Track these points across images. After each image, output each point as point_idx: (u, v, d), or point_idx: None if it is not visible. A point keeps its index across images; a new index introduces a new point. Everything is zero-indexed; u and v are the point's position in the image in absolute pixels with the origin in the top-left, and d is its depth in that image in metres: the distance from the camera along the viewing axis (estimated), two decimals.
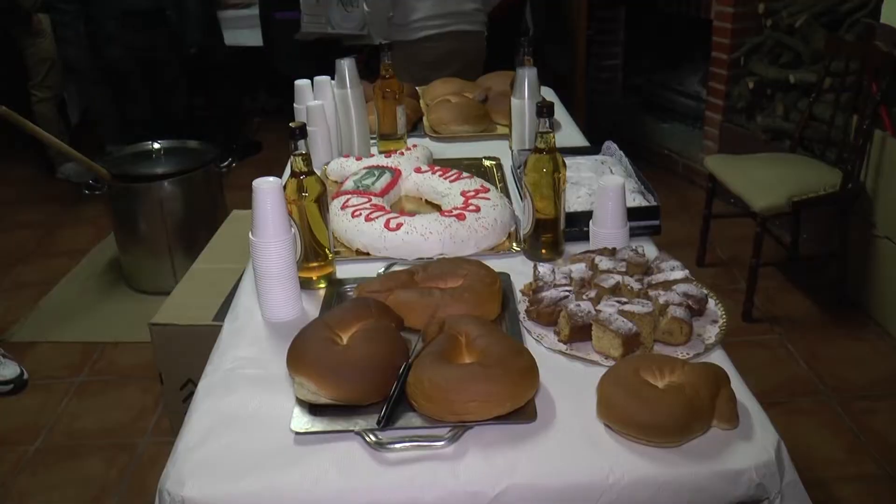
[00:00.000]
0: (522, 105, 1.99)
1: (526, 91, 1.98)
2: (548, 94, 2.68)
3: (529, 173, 1.46)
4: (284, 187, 1.37)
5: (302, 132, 1.38)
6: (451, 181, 1.75)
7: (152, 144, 3.48)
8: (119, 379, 2.79)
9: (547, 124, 1.42)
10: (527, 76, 1.97)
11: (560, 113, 2.48)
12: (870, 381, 2.63)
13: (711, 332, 1.28)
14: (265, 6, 4.54)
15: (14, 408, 2.67)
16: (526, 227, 1.53)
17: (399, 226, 1.54)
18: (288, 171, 1.45)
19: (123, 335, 3.01)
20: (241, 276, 1.59)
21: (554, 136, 1.44)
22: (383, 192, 1.74)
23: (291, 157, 1.38)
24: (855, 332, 2.90)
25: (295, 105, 2.15)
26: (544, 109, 1.41)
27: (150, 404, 2.63)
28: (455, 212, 1.59)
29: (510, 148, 2.10)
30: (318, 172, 1.97)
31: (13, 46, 4.29)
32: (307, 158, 1.39)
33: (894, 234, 2.83)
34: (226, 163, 3.43)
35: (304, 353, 1.13)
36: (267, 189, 1.31)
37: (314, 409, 1.11)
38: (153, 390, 2.64)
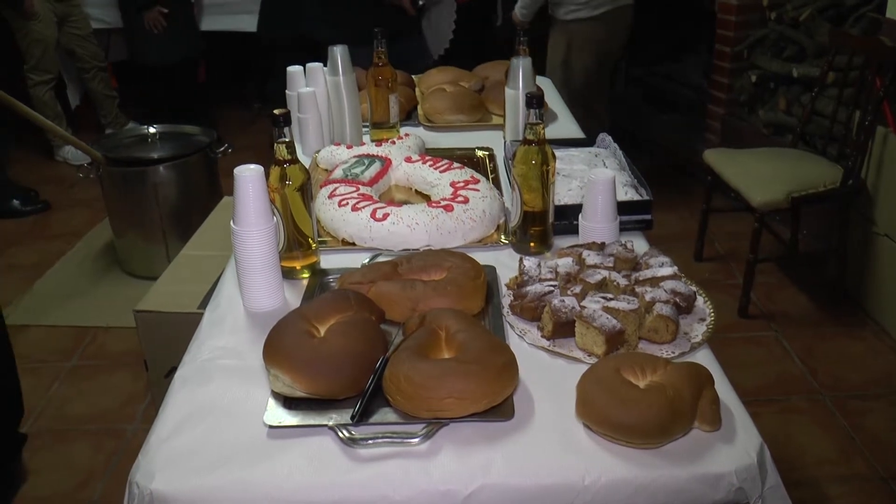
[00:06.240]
0: (517, 95, 1.95)
1: (520, 81, 1.94)
2: (546, 84, 2.65)
3: (518, 165, 1.43)
4: (267, 175, 1.34)
5: (286, 119, 1.35)
6: (441, 171, 1.72)
7: (148, 128, 3.45)
8: (110, 364, 2.78)
9: (536, 115, 1.39)
10: (521, 66, 1.94)
11: (557, 104, 2.44)
12: (865, 380, 2.60)
13: (698, 331, 1.25)
14: None
15: None
16: (514, 219, 1.50)
17: (385, 216, 1.52)
18: None
19: (115, 320, 2.99)
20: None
21: (543, 128, 1.41)
22: (372, 182, 1.71)
23: (275, 144, 1.36)
24: (852, 330, 2.87)
25: (287, 91, 2.12)
26: (533, 100, 1.38)
27: (140, 391, 2.62)
28: (443, 203, 1.57)
29: (504, 138, 2.07)
30: (309, 160, 1.96)
31: (7, 30, 4.26)
32: (291, 146, 1.37)
33: (894, 233, 2.80)
34: (222, 148, 3.38)
35: (279, 345, 1.11)
36: (248, 177, 1.28)
37: (289, 402, 1.09)
38: (143, 377, 2.62)
